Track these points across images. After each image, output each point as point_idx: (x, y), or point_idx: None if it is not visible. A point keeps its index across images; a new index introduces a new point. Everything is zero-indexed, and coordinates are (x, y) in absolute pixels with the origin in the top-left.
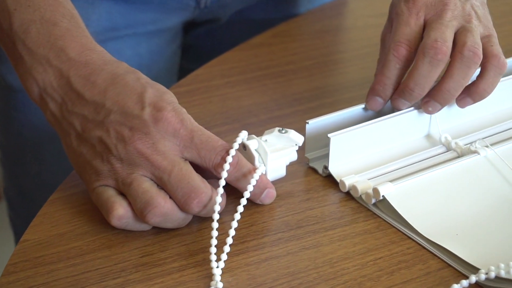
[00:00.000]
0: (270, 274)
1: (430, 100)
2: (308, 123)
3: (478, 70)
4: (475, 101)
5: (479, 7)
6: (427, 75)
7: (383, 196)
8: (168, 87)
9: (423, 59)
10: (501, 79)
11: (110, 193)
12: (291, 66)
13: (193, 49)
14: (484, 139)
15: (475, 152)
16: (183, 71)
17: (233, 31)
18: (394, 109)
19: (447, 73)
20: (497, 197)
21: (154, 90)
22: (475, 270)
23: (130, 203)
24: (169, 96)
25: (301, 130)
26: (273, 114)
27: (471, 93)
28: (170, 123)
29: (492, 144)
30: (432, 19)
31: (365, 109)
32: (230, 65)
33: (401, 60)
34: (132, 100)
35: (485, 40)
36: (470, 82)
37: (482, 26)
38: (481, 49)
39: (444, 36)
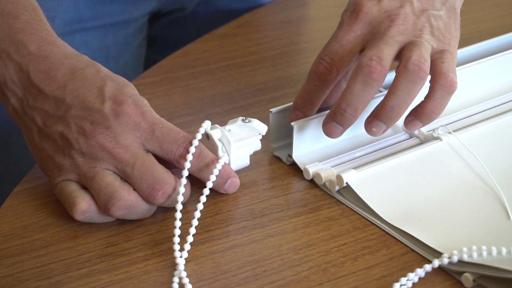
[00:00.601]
0: (234, 262)
1: (374, 120)
2: (271, 111)
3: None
4: (424, 123)
5: (440, 18)
6: (360, 95)
7: (346, 183)
8: (134, 78)
9: (356, 77)
10: (461, 67)
11: (73, 188)
12: (255, 56)
13: (159, 40)
14: (446, 126)
15: (437, 138)
16: (149, 62)
17: (198, 21)
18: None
19: (391, 89)
20: (459, 183)
21: (114, 83)
22: (438, 254)
23: (93, 197)
24: (130, 89)
25: (265, 120)
26: (237, 104)
27: (418, 115)
28: (130, 117)
29: (454, 131)
30: (374, 37)
31: None
32: (194, 56)
33: (319, 77)
34: (92, 94)
35: (437, 56)
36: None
37: (435, 40)
38: (427, 64)
39: (381, 54)
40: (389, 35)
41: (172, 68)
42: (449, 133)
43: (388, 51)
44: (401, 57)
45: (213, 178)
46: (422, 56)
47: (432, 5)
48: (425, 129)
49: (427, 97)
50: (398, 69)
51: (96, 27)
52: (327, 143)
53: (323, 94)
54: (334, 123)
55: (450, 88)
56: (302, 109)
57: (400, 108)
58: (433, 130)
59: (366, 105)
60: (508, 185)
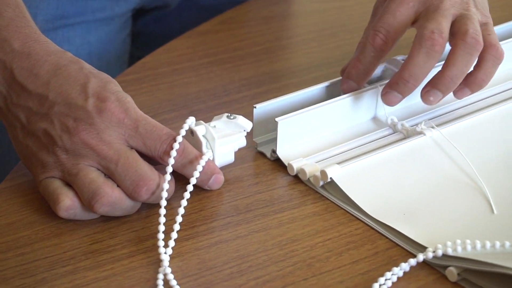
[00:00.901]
0: (219, 258)
1: (431, 89)
2: (255, 107)
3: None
4: (473, 91)
5: None
6: (422, 66)
7: (330, 178)
8: (118, 75)
9: (420, 49)
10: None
11: (57, 185)
12: (239, 52)
13: (143, 37)
14: (429, 120)
15: (421, 133)
16: (133, 59)
17: (182, 17)
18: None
19: (450, 60)
20: (443, 177)
21: (98, 80)
22: (423, 248)
23: (76, 194)
24: (113, 86)
25: (249, 116)
26: (221, 100)
27: (469, 84)
28: (114, 114)
29: (437, 125)
30: (429, 9)
31: (328, 87)
32: (178, 53)
33: (376, 49)
34: (75, 91)
35: (483, 28)
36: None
37: (479, 13)
38: (481, 37)
39: (441, 27)
40: (444, 8)
41: (155, 64)
42: (432, 127)
43: (445, 24)
44: (455, 29)
45: (196, 174)
46: (477, 29)
47: None
48: (408, 124)
49: (477, 66)
50: (455, 41)
51: (79, 24)
52: (311, 138)
53: (377, 65)
54: (395, 92)
55: (500, 59)
56: (357, 79)
57: (457, 79)
58: (417, 125)
59: (426, 75)
60: (492, 178)
